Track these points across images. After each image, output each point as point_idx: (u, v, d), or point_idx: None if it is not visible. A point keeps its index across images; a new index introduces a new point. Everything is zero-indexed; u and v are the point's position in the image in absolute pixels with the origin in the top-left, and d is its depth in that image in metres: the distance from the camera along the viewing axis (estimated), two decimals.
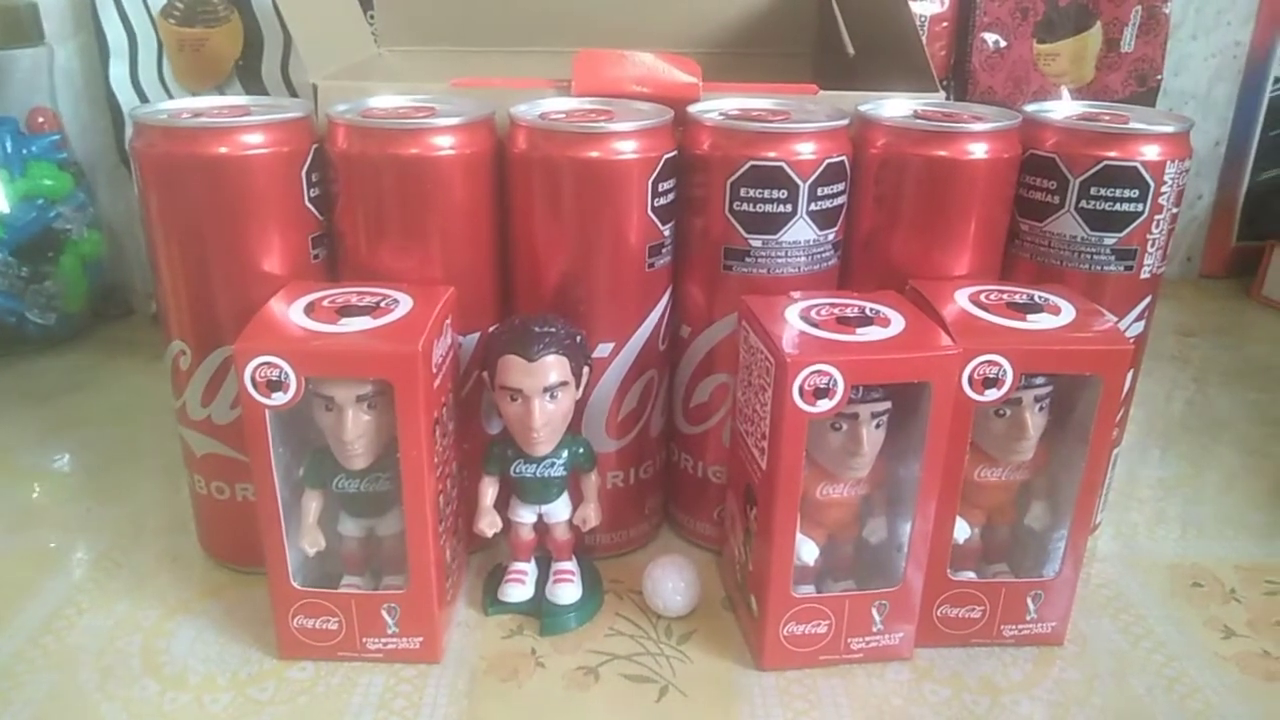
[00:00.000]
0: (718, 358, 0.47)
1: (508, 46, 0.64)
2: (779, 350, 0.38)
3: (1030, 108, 0.47)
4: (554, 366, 0.40)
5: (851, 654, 0.42)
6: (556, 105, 0.46)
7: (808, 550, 0.42)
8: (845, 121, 0.44)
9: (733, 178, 0.43)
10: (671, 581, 0.45)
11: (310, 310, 0.40)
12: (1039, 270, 0.46)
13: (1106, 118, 0.47)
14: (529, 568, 0.46)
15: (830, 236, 0.45)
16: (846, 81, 0.59)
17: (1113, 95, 0.83)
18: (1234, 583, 0.49)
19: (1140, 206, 0.44)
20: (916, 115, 0.46)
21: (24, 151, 0.70)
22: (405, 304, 0.40)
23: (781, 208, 0.43)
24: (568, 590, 0.45)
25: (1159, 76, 0.83)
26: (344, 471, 0.41)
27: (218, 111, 0.43)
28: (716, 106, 0.46)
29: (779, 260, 0.44)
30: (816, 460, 0.41)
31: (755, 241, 0.44)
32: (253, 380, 0.37)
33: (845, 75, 0.62)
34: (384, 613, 0.41)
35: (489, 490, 0.44)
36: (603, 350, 0.45)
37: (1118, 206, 0.44)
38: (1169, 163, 0.44)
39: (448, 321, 0.41)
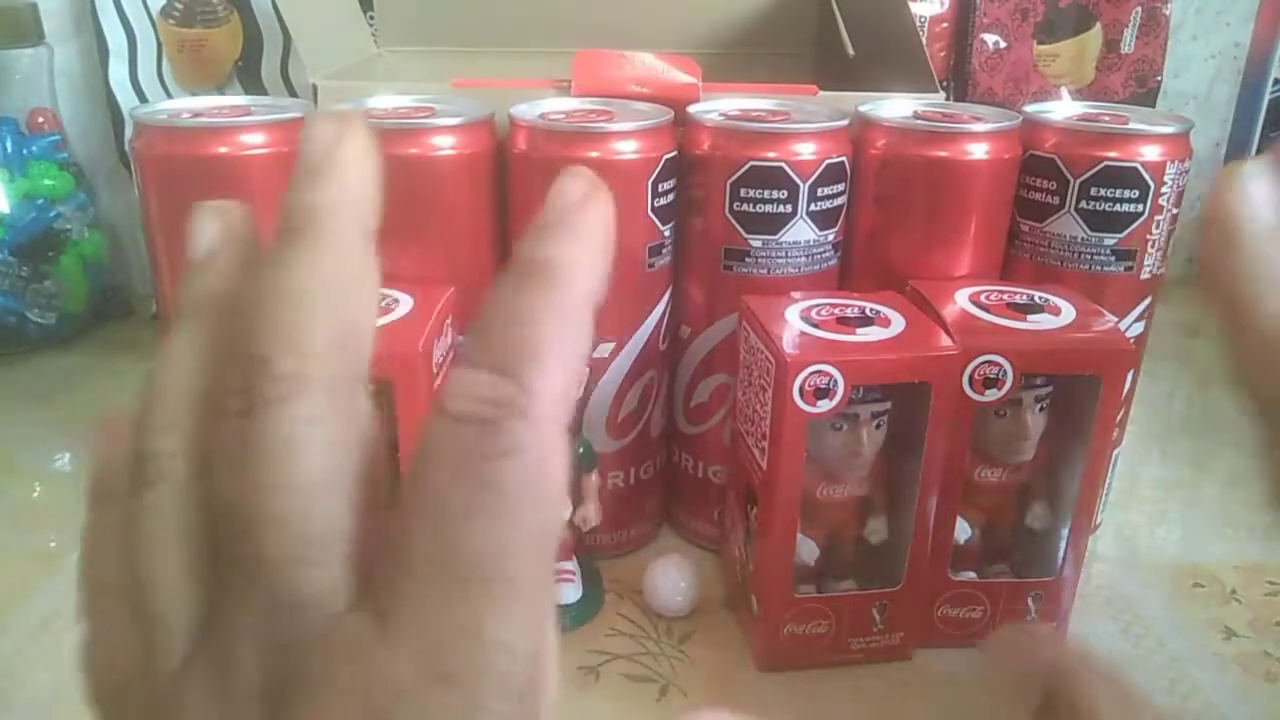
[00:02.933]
0: (718, 358, 0.46)
1: (508, 46, 0.64)
2: (779, 350, 0.38)
3: (1030, 108, 0.47)
4: None
5: (852, 654, 0.42)
6: (556, 105, 0.46)
7: (808, 550, 0.42)
8: (845, 122, 0.44)
9: (733, 178, 0.43)
10: (671, 581, 0.45)
11: None
12: (1039, 270, 0.46)
13: (1106, 118, 0.47)
14: None
15: (830, 237, 0.45)
16: (846, 81, 0.59)
17: (1113, 96, 0.82)
18: (1235, 583, 0.49)
19: (1140, 207, 0.44)
20: (916, 116, 0.46)
21: (24, 151, 0.70)
22: (405, 304, 0.40)
23: (781, 208, 0.43)
24: (568, 590, 0.45)
25: (1159, 77, 0.83)
26: None
27: (218, 111, 0.43)
28: (716, 107, 0.46)
29: (779, 260, 0.44)
30: (816, 460, 0.41)
31: (755, 242, 0.44)
32: None
33: (845, 75, 0.62)
34: None
35: None
36: (603, 350, 0.45)
37: (1118, 207, 0.44)
38: (1169, 163, 0.44)
39: (448, 321, 0.41)
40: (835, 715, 0.40)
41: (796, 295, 0.43)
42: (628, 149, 0.42)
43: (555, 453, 0.15)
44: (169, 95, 0.75)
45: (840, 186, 0.44)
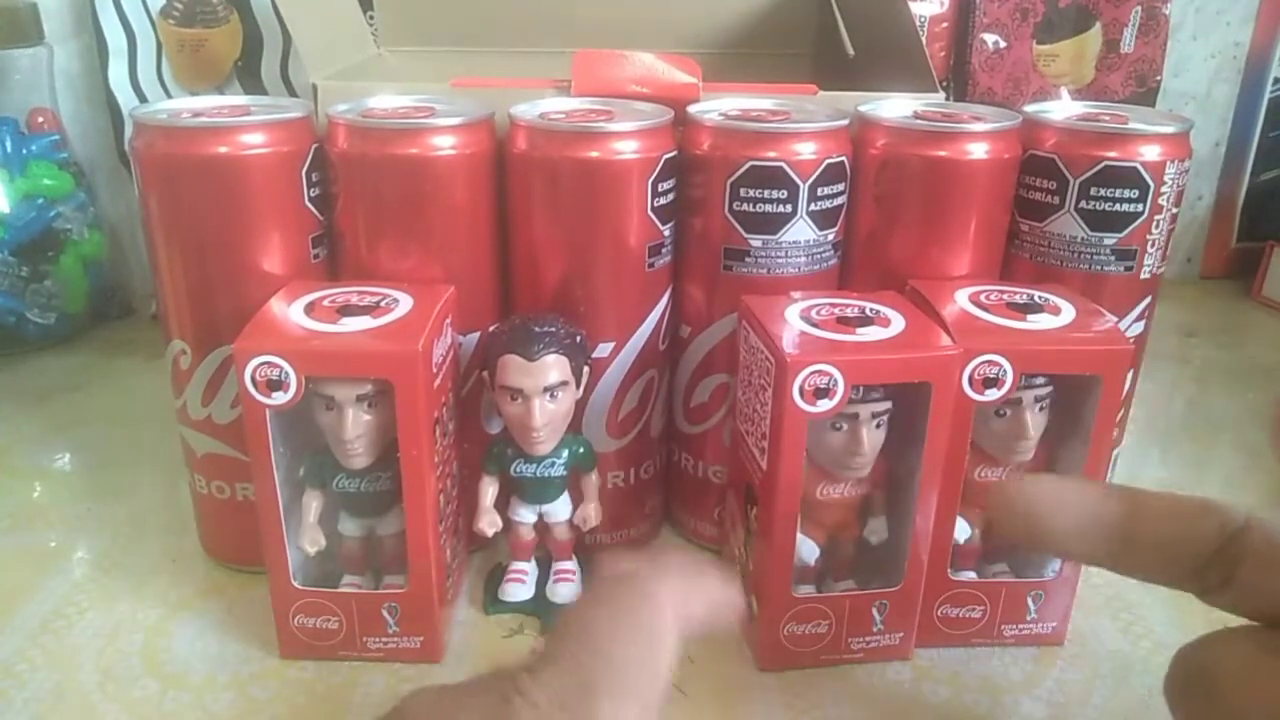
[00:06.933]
0: (718, 358, 0.46)
1: (508, 46, 0.64)
2: (779, 350, 0.38)
3: (1030, 108, 0.47)
4: (554, 366, 0.40)
5: (852, 654, 0.42)
6: (556, 105, 0.46)
7: (808, 550, 0.42)
8: (845, 121, 0.44)
9: (733, 178, 0.43)
10: None
11: (310, 310, 0.40)
12: (1039, 270, 0.46)
13: (1106, 118, 0.47)
14: (529, 567, 0.46)
15: (830, 236, 0.45)
16: (846, 81, 0.59)
17: (1112, 96, 0.83)
18: None
19: (1140, 207, 0.44)
20: (916, 115, 0.46)
21: (24, 151, 0.70)
22: (405, 304, 0.40)
23: (781, 208, 0.43)
24: (568, 589, 0.45)
25: (1158, 77, 0.83)
26: (344, 471, 0.41)
27: (218, 111, 0.43)
28: (716, 106, 0.46)
29: (779, 260, 0.44)
30: (816, 460, 0.41)
31: (755, 241, 0.44)
32: (253, 380, 0.37)
33: (845, 75, 0.62)
34: (384, 612, 0.41)
35: (489, 490, 0.44)
36: (603, 350, 0.45)
37: (1117, 207, 0.44)
38: (1169, 163, 0.44)
39: (448, 321, 0.41)
40: (835, 715, 0.40)
41: (796, 295, 0.43)
42: (627, 149, 0.42)
43: None
44: (169, 95, 0.76)
45: (840, 186, 0.44)
